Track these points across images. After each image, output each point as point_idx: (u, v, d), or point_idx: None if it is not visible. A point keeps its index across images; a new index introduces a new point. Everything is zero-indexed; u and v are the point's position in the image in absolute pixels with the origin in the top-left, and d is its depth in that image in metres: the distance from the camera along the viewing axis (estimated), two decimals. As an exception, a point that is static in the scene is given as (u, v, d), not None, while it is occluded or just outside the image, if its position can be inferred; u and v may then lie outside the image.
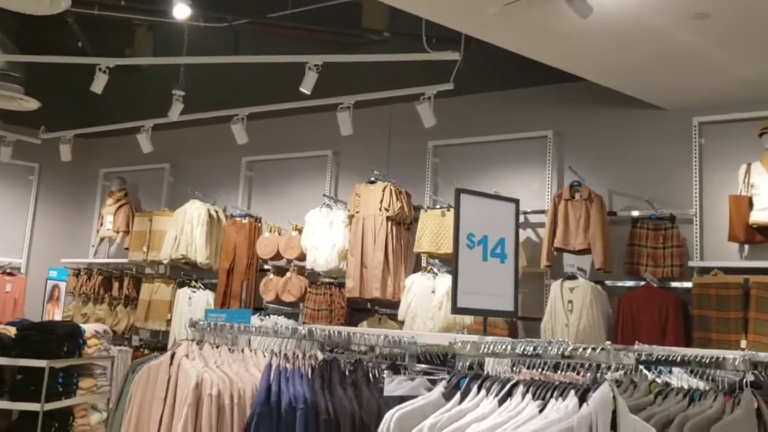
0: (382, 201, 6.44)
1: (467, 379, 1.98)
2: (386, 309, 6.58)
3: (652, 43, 4.71)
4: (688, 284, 5.33)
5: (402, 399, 2.05)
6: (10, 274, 8.05)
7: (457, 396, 1.92)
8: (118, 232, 8.36)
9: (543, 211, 6.11)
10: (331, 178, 7.53)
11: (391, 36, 6.90)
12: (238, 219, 7.44)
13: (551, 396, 1.83)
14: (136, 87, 8.86)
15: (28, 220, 8.89)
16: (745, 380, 1.99)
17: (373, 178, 6.62)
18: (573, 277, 5.58)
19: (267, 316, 6.91)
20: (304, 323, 6.77)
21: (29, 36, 7.44)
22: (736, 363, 1.98)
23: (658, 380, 2.44)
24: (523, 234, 6.43)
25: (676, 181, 5.80)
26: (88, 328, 5.79)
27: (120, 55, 8.70)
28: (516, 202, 3.16)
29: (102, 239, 8.60)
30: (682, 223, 5.65)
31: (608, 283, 5.81)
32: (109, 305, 8.15)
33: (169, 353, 2.76)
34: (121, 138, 8.63)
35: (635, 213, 5.76)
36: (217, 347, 2.74)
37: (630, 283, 5.66)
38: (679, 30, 4.48)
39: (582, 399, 1.79)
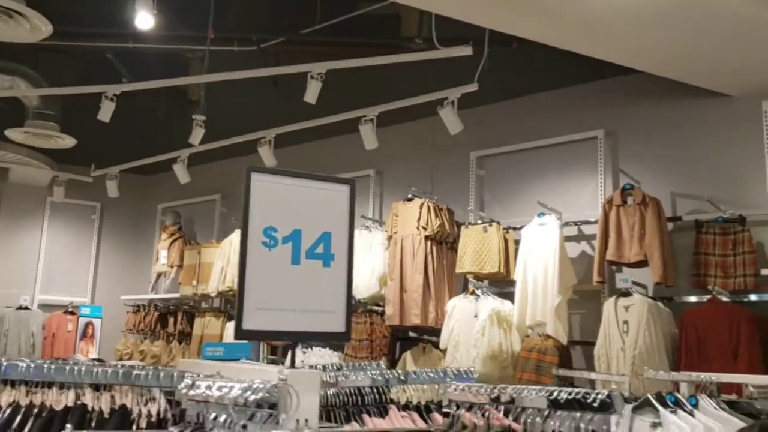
0: (419, 219, 5.97)
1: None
2: (434, 337, 6.06)
3: (710, 19, 4.06)
4: (765, 296, 4.51)
5: None
6: (71, 313, 8.14)
7: None
8: (172, 267, 8.31)
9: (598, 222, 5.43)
10: (374, 198, 7.14)
11: (427, 42, 6.47)
12: (280, 247, 7.17)
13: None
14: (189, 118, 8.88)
15: (92, 259, 9.03)
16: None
17: (410, 195, 6.16)
18: (628, 294, 4.87)
19: (309, 349, 6.57)
20: (347, 356, 6.36)
21: (70, 75, 7.56)
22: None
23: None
24: (578, 248, 5.79)
25: (746, 177, 5.00)
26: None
27: (174, 90, 8.77)
28: (351, 183, 2.27)
29: (159, 275, 8.57)
30: (757, 225, 4.83)
31: (676, 299, 5.06)
32: (165, 341, 8.07)
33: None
34: (176, 172, 8.64)
35: (700, 217, 4.99)
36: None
37: (698, 299, 4.89)
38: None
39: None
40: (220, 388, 1.57)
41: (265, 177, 2.09)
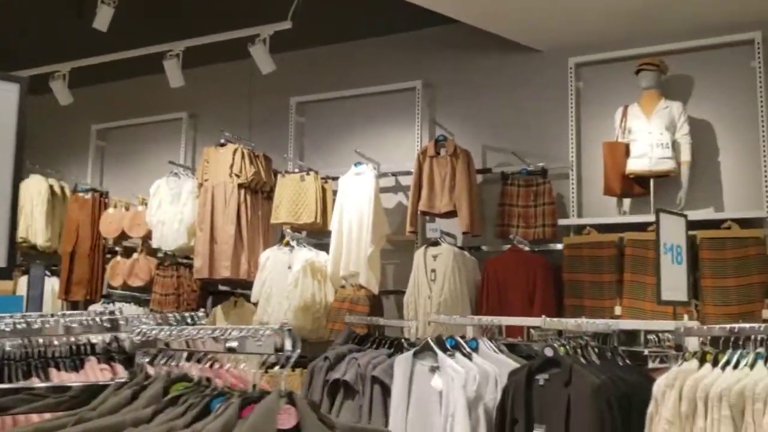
0: (232, 166, 5.62)
1: None
2: (248, 290, 5.77)
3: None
4: (561, 245, 4.71)
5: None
6: None
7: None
8: (-44, 216, 7.35)
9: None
10: (187, 143, 6.69)
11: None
12: (81, 194, 6.53)
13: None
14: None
15: None
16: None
17: (223, 141, 5.78)
18: (437, 243, 4.90)
19: (111, 304, 6.08)
20: (152, 311, 5.94)
21: None
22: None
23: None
24: (394, 198, 5.76)
25: (552, 131, 5.17)
26: None
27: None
28: (22, 81, 1.85)
29: (-60, 225, 7.55)
30: (559, 177, 5.02)
31: (484, 248, 5.18)
32: (-53, 299, 7.15)
33: None
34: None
35: (507, 169, 5.10)
36: None
37: (504, 248, 5.02)
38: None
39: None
40: None
41: None
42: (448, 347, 2.48)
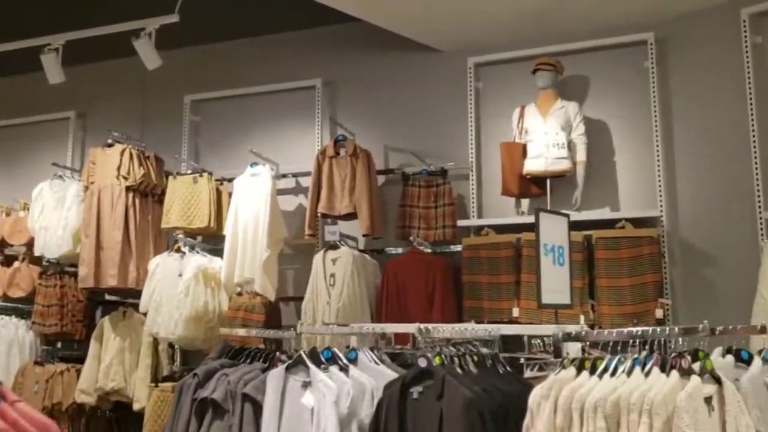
0: (120, 167, 5.28)
1: None
2: (138, 300, 5.40)
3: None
4: (460, 247, 4.62)
5: None
6: None
7: None
8: None
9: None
10: (75, 144, 6.28)
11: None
12: (-46, 200, 6.02)
13: None
14: None
15: None
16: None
17: (110, 141, 5.43)
18: (336, 247, 4.73)
19: (-12, 317, 5.62)
20: (34, 323, 5.50)
21: None
22: None
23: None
24: (295, 200, 5.55)
25: (452, 132, 5.09)
26: None
27: None
28: None
29: None
30: (459, 178, 4.94)
31: (387, 251, 5.04)
32: None
33: None
34: None
35: (408, 169, 4.98)
36: None
37: (405, 250, 4.89)
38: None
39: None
40: None
41: None
42: (323, 360, 2.31)
